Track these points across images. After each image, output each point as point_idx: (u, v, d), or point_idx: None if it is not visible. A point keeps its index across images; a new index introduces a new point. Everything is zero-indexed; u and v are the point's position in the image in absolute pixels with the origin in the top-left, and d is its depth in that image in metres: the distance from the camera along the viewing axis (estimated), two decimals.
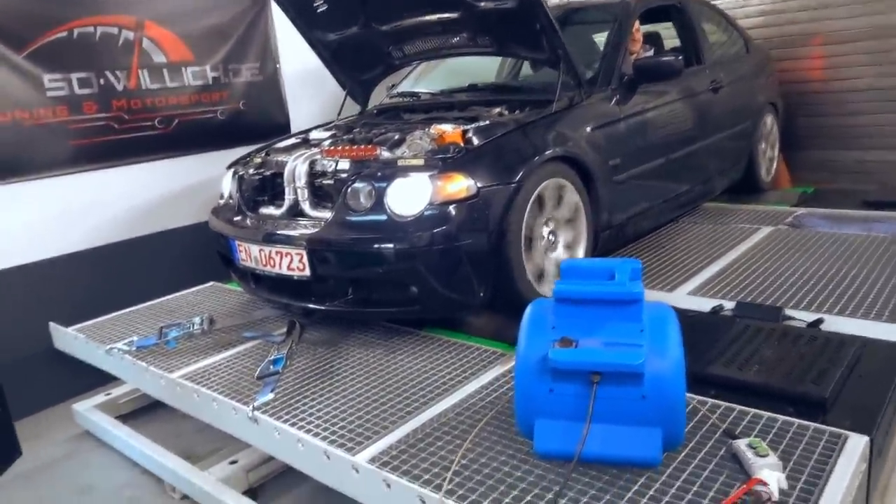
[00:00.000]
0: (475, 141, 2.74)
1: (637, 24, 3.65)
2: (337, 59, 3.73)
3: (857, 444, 1.74)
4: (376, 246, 2.48)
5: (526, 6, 2.80)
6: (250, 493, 2.51)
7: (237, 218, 2.92)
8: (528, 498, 1.62)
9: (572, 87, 3.08)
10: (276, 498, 2.51)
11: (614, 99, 3.23)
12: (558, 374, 1.62)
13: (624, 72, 3.33)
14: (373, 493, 1.79)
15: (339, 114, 3.89)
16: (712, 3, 4.71)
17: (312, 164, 2.77)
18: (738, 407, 1.98)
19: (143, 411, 3.25)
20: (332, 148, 2.81)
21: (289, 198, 2.80)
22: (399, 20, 3.31)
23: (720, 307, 2.77)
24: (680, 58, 3.27)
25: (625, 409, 1.61)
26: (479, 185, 2.50)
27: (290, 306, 2.85)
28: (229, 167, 3.30)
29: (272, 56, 4.55)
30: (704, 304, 2.82)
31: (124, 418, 3.19)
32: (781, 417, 1.91)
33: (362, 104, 3.96)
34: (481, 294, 2.59)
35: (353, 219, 2.54)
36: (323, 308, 2.69)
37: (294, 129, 4.70)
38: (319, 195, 2.79)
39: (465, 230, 2.47)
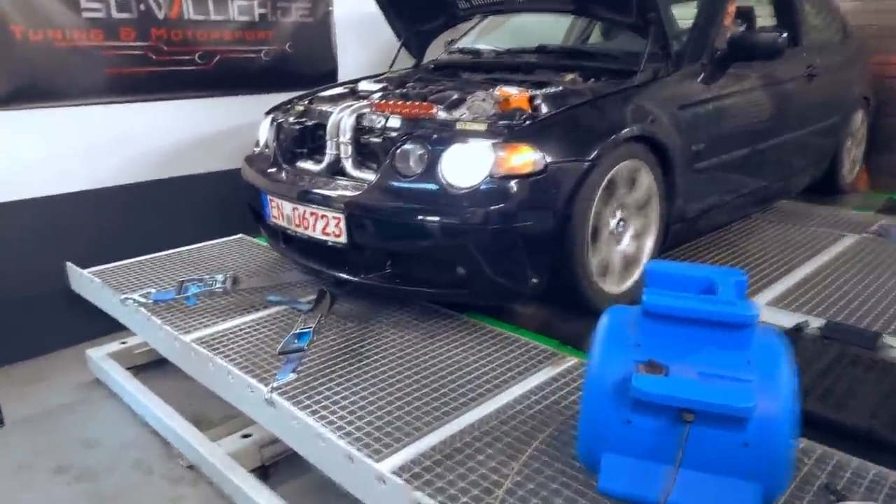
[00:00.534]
0: (544, 109, 2.40)
1: None
2: (395, 5, 3.39)
3: None
4: (424, 218, 2.18)
5: None
6: (261, 470, 2.29)
7: (272, 170, 2.65)
8: None
9: (658, 58, 2.70)
10: (289, 479, 2.29)
11: (701, 76, 2.84)
12: (640, 405, 1.33)
13: (716, 47, 2.93)
14: None
15: (391, 65, 3.57)
16: None
17: (359, 118, 2.47)
18: (838, 454, 1.67)
19: (158, 364, 3.04)
20: (382, 102, 2.49)
21: (330, 153, 2.52)
22: None
23: (805, 324, 2.43)
24: (784, 35, 2.85)
25: (719, 455, 1.31)
26: (547, 159, 2.17)
27: (322, 273, 2.58)
28: (268, 113, 3.02)
29: None
30: (786, 319, 2.48)
31: (137, 370, 3.01)
32: (893, 473, 1.59)
33: (417, 57, 3.62)
34: (536, 283, 2.29)
35: (401, 184, 2.24)
36: (357, 280, 2.41)
37: (341, 78, 4.39)
38: (364, 153, 2.50)
39: (526, 210, 2.15)
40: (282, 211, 2.52)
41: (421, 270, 2.33)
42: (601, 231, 2.41)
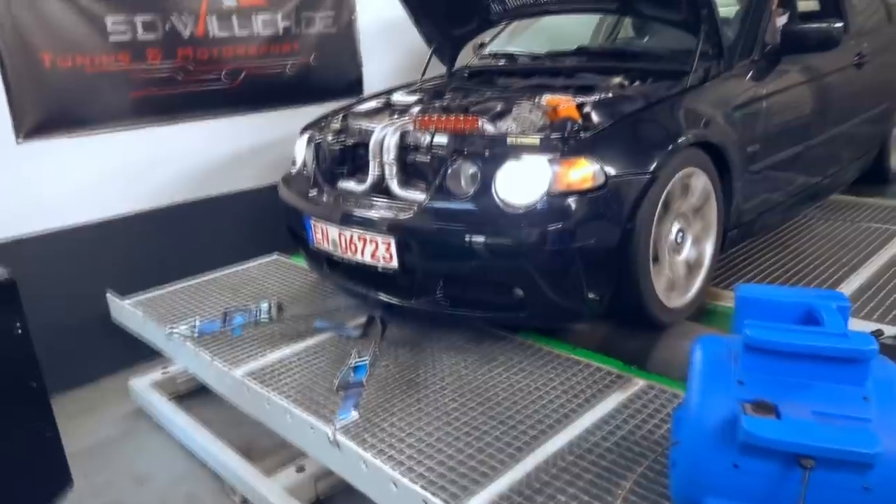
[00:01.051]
0: (596, 118, 2.29)
1: None
2: (425, 10, 3.29)
3: None
4: (479, 239, 2.09)
5: None
6: None
7: (313, 192, 2.57)
8: None
9: (708, 56, 2.58)
10: None
11: (751, 73, 2.72)
12: (750, 449, 1.23)
13: (767, 41, 2.81)
14: None
15: (422, 74, 3.47)
16: None
17: (403, 135, 2.38)
18: None
19: (202, 391, 2.99)
20: (426, 117, 2.40)
21: (373, 173, 2.43)
22: None
23: (879, 332, 2.31)
24: (838, 25, 2.72)
25: (837, 500, 1.21)
26: (607, 173, 2.07)
27: (369, 298, 2.50)
28: (303, 131, 2.94)
29: (349, 4, 4.13)
30: (857, 327, 2.36)
31: (181, 398, 2.96)
32: None
33: (448, 64, 3.52)
34: (599, 302, 2.19)
35: (453, 205, 2.15)
36: (409, 305, 2.32)
37: (367, 87, 4.31)
38: (408, 171, 2.40)
39: (587, 228, 2.06)
40: (327, 235, 2.44)
41: (476, 293, 2.24)
42: (661, 243, 2.30)
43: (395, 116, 2.77)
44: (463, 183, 2.16)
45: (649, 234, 2.18)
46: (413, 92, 3.07)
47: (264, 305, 2.56)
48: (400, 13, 3.41)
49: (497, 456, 1.76)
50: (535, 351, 2.34)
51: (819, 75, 3.06)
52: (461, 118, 2.36)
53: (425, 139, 2.31)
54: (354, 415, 1.90)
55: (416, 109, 2.69)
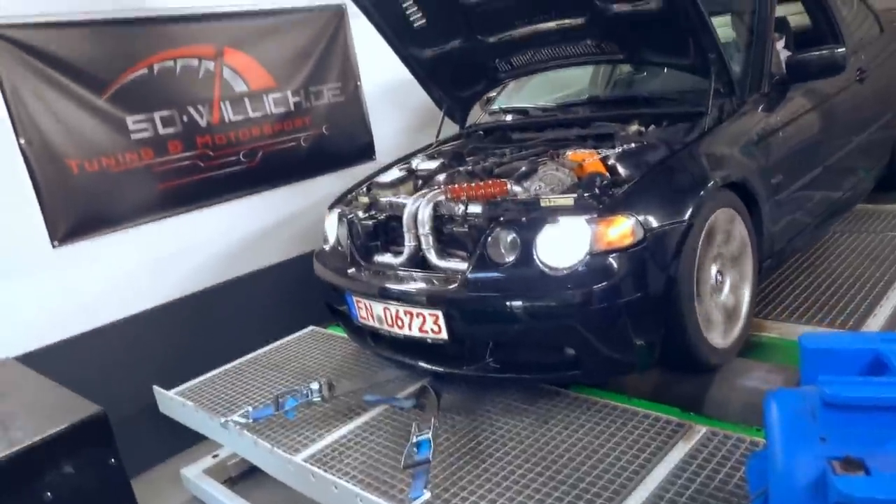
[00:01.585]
0: (623, 170, 2.36)
1: None
2: (433, 76, 3.39)
3: None
4: (526, 304, 2.13)
5: (676, 6, 2.38)
6: None
7: (352, 270, 2.61)
8: None
9: (720, 95, 2.65)
10: None
11: (763, 105, 2.79)
12: None
13: (773, 72, 2.88)
14: None
15: (437, 135, 3.55)
16: None
17: (436, 206, 2.43)
18: None
19: (254, 471, 2.99)
20: (455, 186, 2.46)
21: (409, 245, 2.48)
22: (510, 30, 2.94)
23: None
24: (842, 50, 2.79)
25: None
26: (645, 226, 2.11)
27: (417, 367, 2.52)
28: (331, 207, 3.00)
29: (353, 73, 4.25)
30: None
31: (234, 480, 2.97)
32: None
33: (461, 123, 3.61)
34: (650, 352, 2.21)
35: (497, 274, 2.19)
36: (462, 372, 2.35)
37: (378, 150, 4.41)
38: (443, 241, 2.45)
39: (631, 282, 2.09)
40: (371, 312, 2.48)
41: (526, 355, 2.27)
42: (702, 285, 2.33)
43: (420, 184, 2.84)
44: (503, 250, 2.20)
45: (691, 279, 2.22)
46: (433, 157, 3.14)
47: (314, 385, 2.58)
48: (401, 75, 3.51)
49: None
50: (591, 405, 2.35)
51: (826, 97, 3.12)
52: (490, 183, 2.41)
53: (459, 209, 2.37)
54: (427, 494, 1.91)
55: (441, 177, 2.75)
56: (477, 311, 2.21)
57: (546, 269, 2.11)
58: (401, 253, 2.53)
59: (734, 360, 2.48)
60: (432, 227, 2.41)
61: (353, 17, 3.93)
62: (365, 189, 3.02)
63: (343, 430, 2.44)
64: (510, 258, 2.18)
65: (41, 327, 3.01)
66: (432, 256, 2.41)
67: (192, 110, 3.51)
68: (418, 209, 2.44)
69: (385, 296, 2.41)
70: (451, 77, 3.37)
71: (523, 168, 2.54)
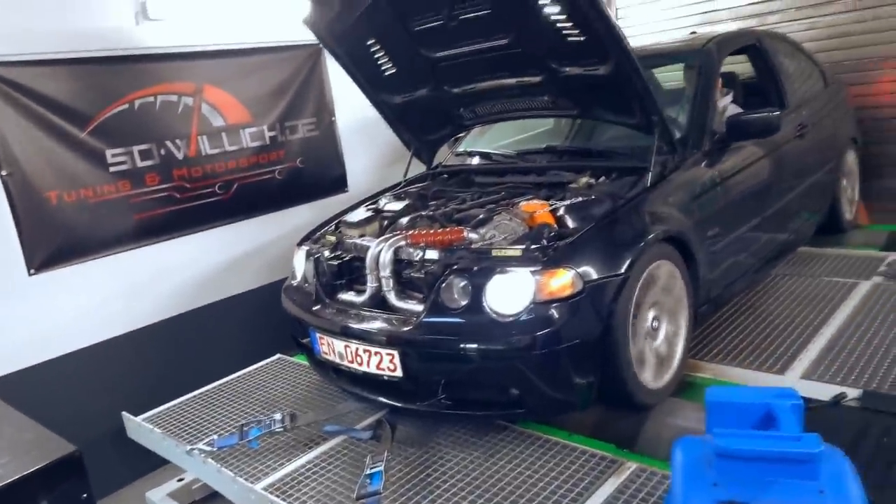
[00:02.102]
0: (570, 222, 2.56)
1: None
2: (403, 120, 3.59)
3: None
4: (474, 347, 2.31)
5: (621, 72, 2.61)
6: None
7: (317, 307, 2.77)
8: None
9: (664, 151, 2.88)
10: None
11: (704, 161, 3.02)
12: None
13: (714, 129, 3.12)
14: None
15: (405, 174, 3.74)
16: (787, 35, 4.46)
17: (397, 251, 2.61)
18: None
19: (217, 495, 3.10)
20: (415, 232, 2.64)
21: (371, 286, 2.65)
22: (473, 82, 3.15)
23: (842, 395, 2.54)
24: (777, 113, 3.04)
25: None
26: (584, 279, 2.31)
27: (376, 402, 2.68)
28: (300, 244, 3.16)
29: (328, 109, 4.44)
30: (823, 391, 2.59)
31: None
32: None
33: (427, 163, 3.81)
34: (588, 393, 2.40)
35: (449, 318, 2.37)
36: (415, 408, 2.52)
37: (351, 182, 4.59)
38: (404, 283, 2.63)
39: (570, 328, 2.29)
40: (333, 348, 2.64)
41: (476, 393, 2.45)
42: (638, 331, 2.53)
43: (386, 224, 3.03)
44: (456, 296, 2.38)
45: (627, 325, 2.42)
46: (399, 196, 3.33)
47: (277, 416, 2.73)
48: (374, 112, 3.68)
49: None
50: (535, 440, 2.53)
51: (766, 153, 3.37)
52: (447, 231, 2.61)
53: (417, 254, 2.55)
54: None
55: (404, 220, 2.93)
56: (430, 352, 2.39)
57: (494, 316, 2.30)
58: (363, 292, 2.70)
59: (668, 399, 2.68)
60: (393, 270, 2.59)
61: (330, 55, 4.12)
62: (333, 227, 3.20)
63: (303, 459, 2.59)
64: (462, 303, 2.36)
65: (16, 352, 3.12)
66: (392, 298, 2.58)
67: (170, 144, 3.66)
68: (380, 253, 2.61)
69: (346, 334, 2.58)
70: (419, 121, 3.57)
71: (480, 216, 2.74)
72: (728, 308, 3.40)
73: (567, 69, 2.78)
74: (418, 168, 3.86)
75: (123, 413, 3.16)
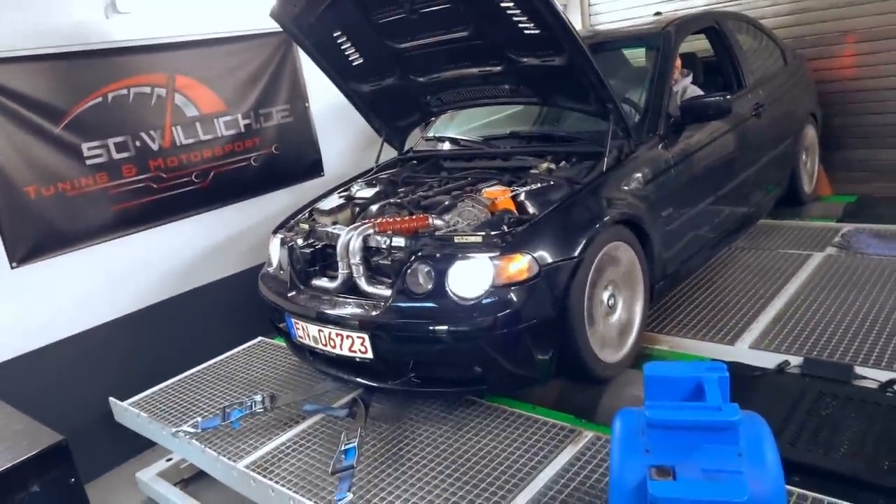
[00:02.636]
0: (530, 209, 2.70)
1: None
2: (373, 107, 3.69)
3: None
4: (439, 329, 2.46)
5: (575, 64, 2.73)
6: None
7: (292, 293, 2.90)
8: None
9: (620, 136, 3.01)
10: None
11: (659, 144, 3.15)
12: None
13: (669, 112, 3.25)
14: None
15: (376, 160, 3.85)
16: (747, 14, 4.57)
17: (366, 238, 2.74)
18: (827, 499, 1.96)
19: (205, 473, 3.26)
20: (383, 220, 2.77)
21: (342, 272, 2.78)
22: (438, 72, 3.25)
23: (786, 363, 2.73)
24: (728, 97, 3.17)
25: None
26: (540, 263, 2.46)
27: (350, 381, 2.84)
28: (275, 232, 3.27)
29: (302, 95, 4.51)
30: (769, 360, 2.78)
31: (187, 482, 3.23)
32: None
33: (399, 149, 3.92)
34: (547, 368, 2.57)
35: (414, 303, 2.51)
36: (386, 386, 2.67)
37: (326, 167, 4.68)
38: (373, 269, 2.76)
39: (528, 311, 2.44)
40: (307, 332, 2.78)
41: (443, 372, 2.60)
42: (595, 309, 2.69)
43: (357, 211, 3.15)
44: (421, 281, 2.52)
45: (582, 305, 2.58)
46: (371, 183, 3.44)
47: (258, 398, 2.88)
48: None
49: None
50: (501, 413, 2.70)
51: (721, 133, 3.51)
52: (413, 218, 2.74)
53: (385, 242, 2.68)
54: (350, 496, 2.24)
55: (374, 207, 3.06)
56: (397, 334, 2.53)
57: (456, 299, 2.45)
58: (336, 278, 2.83)
59: (626, 371, 2.85)
60: (362, 257, 2.72)
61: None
62: (307, 215, 3.31)
63: (283, 437, 2.75)
64: (427, 288, 2.50)
65: (2, 343, 3.23)
66: (362, 283, 2.72)
67: (144, 135, 3.73)
68: (350, 241, 2.74)
69: (319, 319, 2.71)
70: (388, 109, 3.68)
71: (445, 202, 2.87)
72: (686, 283, 3.57)
73: (525, 60, 2.89)
74: (390, 153, 3.98)
75: (110, 398, 3.30)
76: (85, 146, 3.49)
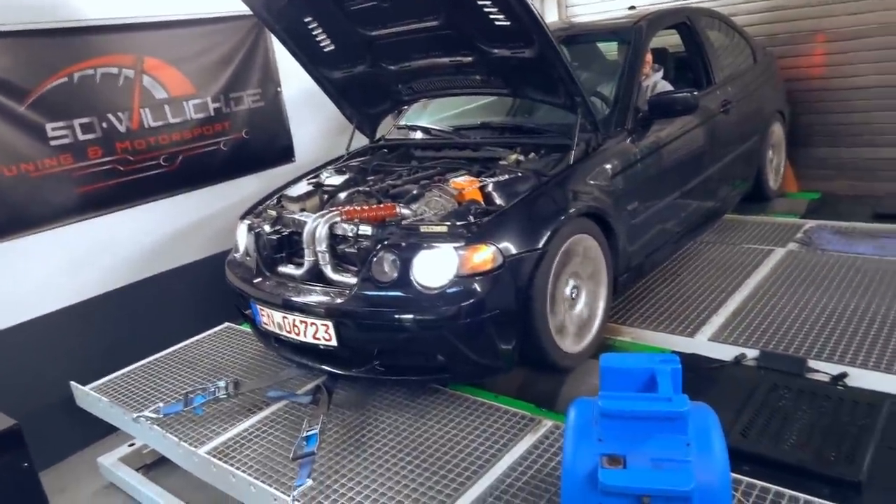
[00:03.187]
0: (497, 200, 2.72)
1: None
2: (344, 94, 3.67)
3: None
4: (404, 318, 2.47)
5: (545, 57, 2.74)
6: None
7: (257, 280, 2.89)
8: None
9: (588, 130, 3.04)
10: None
11: (627, 139, 3.19)
12: (607, 492, 1.64)
13: (638, 106, 3.29)
14: None
15: (347, 147, 3.84)
16: (719, 11, 4.62)
17: (332, 226, 2.73)
18: (774, 488, 2.02)
19: (167, 459, 3.25)
20: (350, 208, 2.77)
21: (308, 260, 2.78)
22: (409, 61, 3.24)
23: (742, 356, 2.80)
24: (695, 93, 3.22)
25: None
26: (504, 254, 2.48)
27: (315, 368, 2.84)
28: (242, 218, 3.25)
29: (274, 79, 4.47)
30: (726, 352, 2.85)
31: (149, 467, 3.22)
32: (818, 502, 1.94)
33: (370, 136, 3.91)
34: (509, 358, 2.60)
35: (379, 291, 2.52)
36: (350, 374, 2.68)
37: (297, 152, 4.65)
38: (339, 257, 2.76)
39: (492, 301, 2.46)
40: (272, 319, 2.78)
41: (406, 360, 2.62)
42: (557, 301, 2.73)
43: (326, 198, 3.14)
44: (386, 270, 2.53)
45: (545, 296, 2.61)
46: (340, 170, 3.43)
47: (221, 383, 2.87)
48: None
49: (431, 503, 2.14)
50: (463, 401, 2.73)
51: (688, 129, 3.55)
52: (381, 206, 2.74)
53: (352, 229, 2.68)
54: (309, 482, 2.25)
55: (343, 195, 3.05)
56: (362, 322, 2.54)
57: (421, 288, 2.46)
58: (302, 265, 2.82)
59: (588, 361, 2.90)
60: (329, 244, 2.72)
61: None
62: (275, 201, 3.30)
63: (245, 424, 2.75)
64: (392, 277, 2.51)
65: None
66: (328, 271, 2.72)
67: (111, 117, 3.67)
68: (316, 228, 2.73)
69: (284, 306, 2.71)
70: (360, 96, 3.66)
71: (413, 192, 2.87)
72: (651, 275, 3.63)
73: (496, 51, 2.90)
74: (361, 140, 3.96)
75: (72, 382, 3.26)
76: (49, 126, 3.43)
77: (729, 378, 2.70)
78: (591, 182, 2.90)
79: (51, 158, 3.45)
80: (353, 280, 2.64)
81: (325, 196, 3.19)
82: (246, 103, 4.34)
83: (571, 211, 2.71)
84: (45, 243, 3.47)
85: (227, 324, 3.81)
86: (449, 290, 2.43)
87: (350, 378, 2.80)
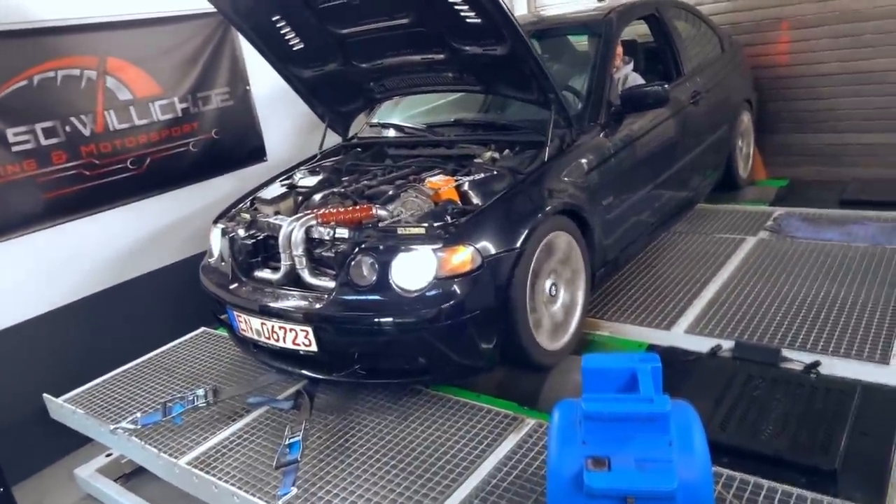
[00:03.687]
0: (473, 199, 2.72)
1: None
2: (315, 93, 3.62)
3: None
4: (384, 321, 2.46)
5: (517, 54, 2.74)
6: None
7: (234, 285, 2.85)
8: None
9: (562, 125, 3.04)
10: None
11: (600, 133, 3.21)
12: (592, 494, 1.66)
13: (610, 100, 3.30)
14: None
15: (320, 146, 3.79)
16: (686, 2, 4.65)
17: (309, 230, 2.70)
18: (753, 479, 2.06)
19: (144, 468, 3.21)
20: (326, 211, 2.74)
21: (285, 264, 2.74)
22: (381, 58, 3.21)
23: (718, 347, 2.84)
24: (666, 86, 3.24)
25: None
26: (483, 255, 2.48)
27: (295, 374, 2.82)
28: (216, 222, 3.20)
29: (242, 78, 4.39)
30: (702, 344, 2.89)
31: (128, 477, 3.17)
32: (796, 491, 1.99)
33: (343, 135, 3.87)
34: (491, 357, 2.61)
35: (358, 295, 2.50)
36: (331, 378, 2.67)
37: (269, 151, 4.58)
38: (316, 260, 2.74)
39: (471, 302, 2.46)
40: (250, 325, 2.75)
41: (387, 363, 2.61)
42: (537, 298, 2.74)
43: (300, 200, 3.10)
44: (364, 273, 2.51)
45: (524, 294, 2.62)
46: (314, 171, 3.39)
47: (200, 392, 2.83)
48: None
49: None
50: (446, 402, 2.73)
51: (659, 121, 3.58)
52: (357, 208, 2.72)
53: (328, 233, 2.65)
54: (294, 490, 2.24)
55: (317, 197, 3.02)
56: (342, 327, 2.52)
57: (400, 291, 2.45)
58: (278, 269, 2.79)
59: (569, 357, 2.92)
60: (305, 248, 2.69)
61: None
62: (248, 204, 3.25)
63: (226, 432, 2.71)
64: (371, 280, 2.50)
65: None
66: (306, 275, 2.69)
67: (75, 120, 3.58)
68: (292, 232, 2.70)
69: (262, 312, 2.68)
70: (331, 94, 3.61)
71: (389, 192, 2.85)
72: (627, 268, 3.66)
73: (467, 48, 2.88)
74: (334, 139, 3.92)
75: (44, 395, 3.19)
76: (10, 132, 3.32)
77: (705, 370, 2.74)
78: (567, 179, 2.91)
79: (13, 165, 3.35)
80: (331, 284, 2.61)
81: (300, 198, 3.15)
82: (214, 103, 4.26)
83: (548, 209, 2.71)
84: (12, 252, 3.38)
85: (203, 328, 3.76)
86: (428, 293, 2.43)
87: (331, 382, 2.78)
